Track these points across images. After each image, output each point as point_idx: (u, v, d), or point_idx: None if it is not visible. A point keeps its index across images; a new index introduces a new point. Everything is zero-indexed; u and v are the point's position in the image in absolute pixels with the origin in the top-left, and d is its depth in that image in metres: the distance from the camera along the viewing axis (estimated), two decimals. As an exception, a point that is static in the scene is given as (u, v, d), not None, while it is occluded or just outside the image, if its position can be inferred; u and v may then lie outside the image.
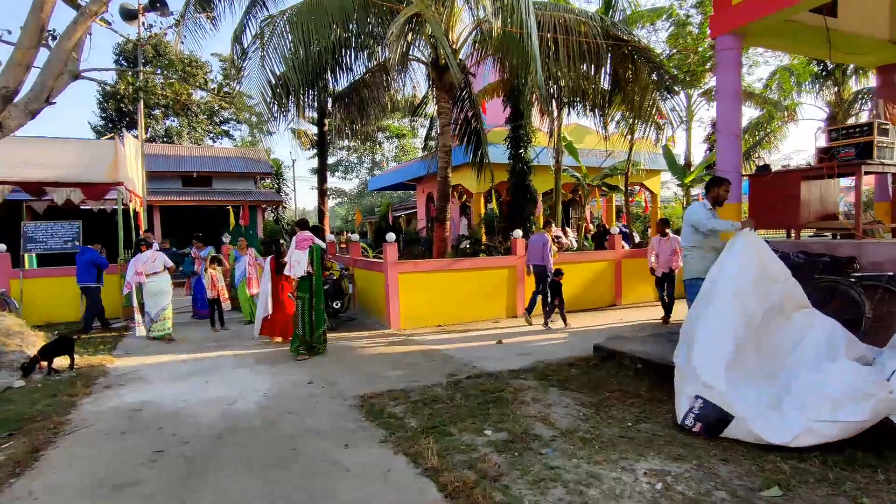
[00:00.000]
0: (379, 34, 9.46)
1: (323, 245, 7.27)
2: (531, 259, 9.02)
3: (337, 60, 9.25)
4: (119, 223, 11.04)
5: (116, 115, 30.03)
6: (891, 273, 4.94)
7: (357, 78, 10.04)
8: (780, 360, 4.39)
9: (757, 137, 17.15)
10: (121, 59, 30.05)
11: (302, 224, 7.54)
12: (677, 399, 4.25)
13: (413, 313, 9.04)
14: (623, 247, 11.29)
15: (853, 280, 4.96)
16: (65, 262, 10.93)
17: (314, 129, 34.90)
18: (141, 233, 11.63)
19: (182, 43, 10.98)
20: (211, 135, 34.91)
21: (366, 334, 8.46)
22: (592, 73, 8.91)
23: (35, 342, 6.58)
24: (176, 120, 32.84)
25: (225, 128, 36.12)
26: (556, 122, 13.72)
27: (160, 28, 9.13)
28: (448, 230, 10.74)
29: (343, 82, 9.97)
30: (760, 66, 14.66)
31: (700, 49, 12.65)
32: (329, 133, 15.30)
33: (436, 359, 6.69)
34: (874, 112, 7.33)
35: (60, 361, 6.38)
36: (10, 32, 7.18)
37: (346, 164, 40.78)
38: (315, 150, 37.36)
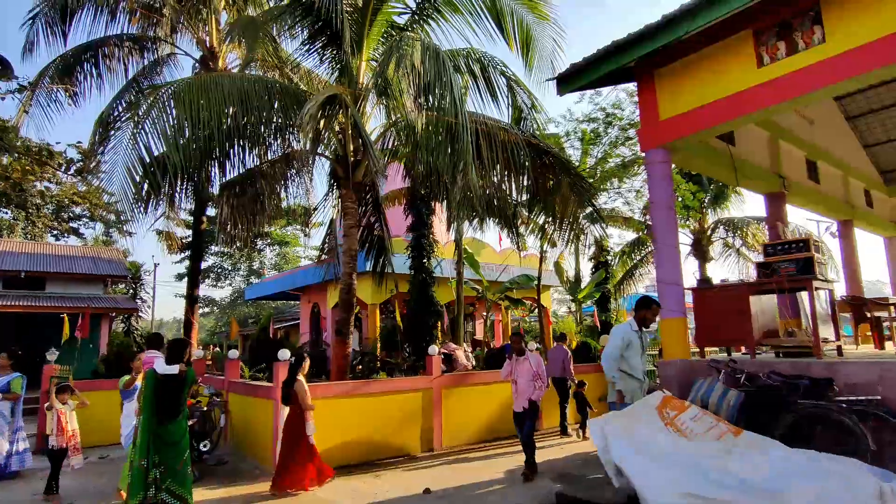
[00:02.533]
0: (280, 124, 8.47)
1: (168, 369, 5.09)
2: (551, 371, 9.07)
3: (229, 146, 7.93)
4: None
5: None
6: (878, 397, 4.49)
7: (253, 166, 8.74)
8: None
9: (636, 258, 18.35)
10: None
11: (151, 340, 5.62)
12: None
13: (308, 453, 7.11)
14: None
15: (844, 406, 4.42)
16: None
17: (183, 232, 31.83)
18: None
19: (26, 112, 9.00)
20: (55, 232, 30.09)
21: (245, 489, 6.32)
22: (511, 182, 8.57)
23: None
24: (8, 212, 27.93)
25: (74, 225, 31.49)
26: (459, 232, 13.37)
27: (-3, 91, 7.25)
28: (349, 346, 9.18)
29: (233, 171, 8.58)
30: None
31: (592, 169, 13.37)
32: (210, 229, 13.39)
33: (350, 526, 4.92)
34: (781, 233, 7.71)
35: None
36: None
37: (219, 270, 37.28)
38: (183, 254, 33.88)
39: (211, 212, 17.23)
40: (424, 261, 13.21)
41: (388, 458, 7.72)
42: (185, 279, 35.29)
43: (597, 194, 11.73)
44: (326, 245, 12.23)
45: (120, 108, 11.31)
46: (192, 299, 12.37)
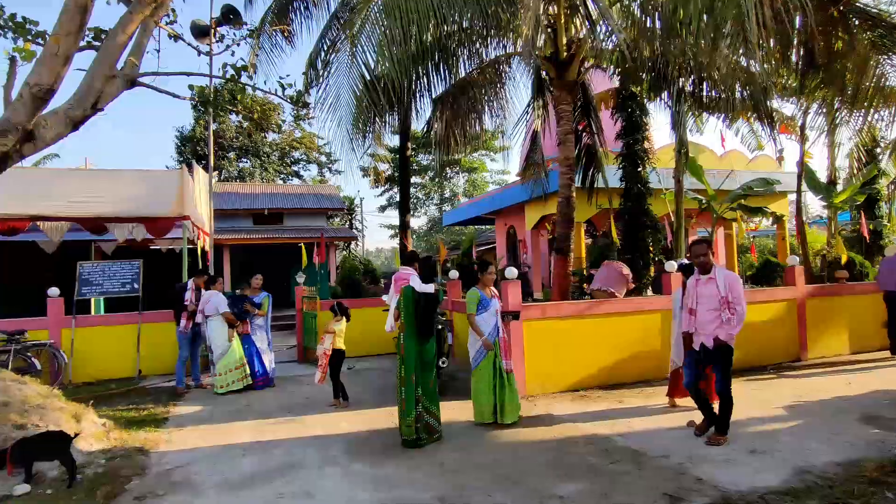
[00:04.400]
0: (488, 22, 7.68)
1: (424, 288, 5.06)
2: (886, 285, 8.14)
3: (439, 57, 7.51)
4: (184, 261, 9.63)
5: (193, 157, 30.36)
6: None
7: (462, 77, 8.25)
8: None
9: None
10: (197, 105, 30.54)
11: (407, 257, 5.57)
12: None
13: (541, 374, 6.80)
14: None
15: None
16: (126, 308, 9.60)
17: (382, 167, 34.18)
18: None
19: (256, 56, 9.75)
20: (282, 175, 34.85)
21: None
22: (777, 51, 6.59)
23: (59, 420, 4.87)
24: (247, 160, 32.98)
25: (295, 168, 36.10)
26: (682, 129, 11.39)
27: (233, 39, 7.82)
28: (570, 264, 8.52)
29: (440, 86, 8.20)
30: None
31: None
32: (411, 155, 13.64)
33: (616, 456, 4.39)
34: None
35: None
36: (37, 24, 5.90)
37: (414, 200, 39.67)
38: (385, 187, 36.63)
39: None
40: (639, 169, 11.66)
41: (626, 383, 7.05)
42: (387, 210, 38.37)
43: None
44: (529, 160, 11.46)
45: (325, 47, 11.69)
46: (404, 226, 12.89)
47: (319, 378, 6.44)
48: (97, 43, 5.99)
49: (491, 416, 5.41)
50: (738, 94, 8.59)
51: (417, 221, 42.76)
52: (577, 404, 6.19)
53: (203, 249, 11.34)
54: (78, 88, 5.57)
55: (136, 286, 9.19)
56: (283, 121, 32.53)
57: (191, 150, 30.44)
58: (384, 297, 7.52)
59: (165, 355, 8.68)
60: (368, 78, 6.33)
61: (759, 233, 23.84)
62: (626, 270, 11.22)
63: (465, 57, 8.07)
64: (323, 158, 35.87)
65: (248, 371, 7.54)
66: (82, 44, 5.63)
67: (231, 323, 7.48)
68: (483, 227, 30.14)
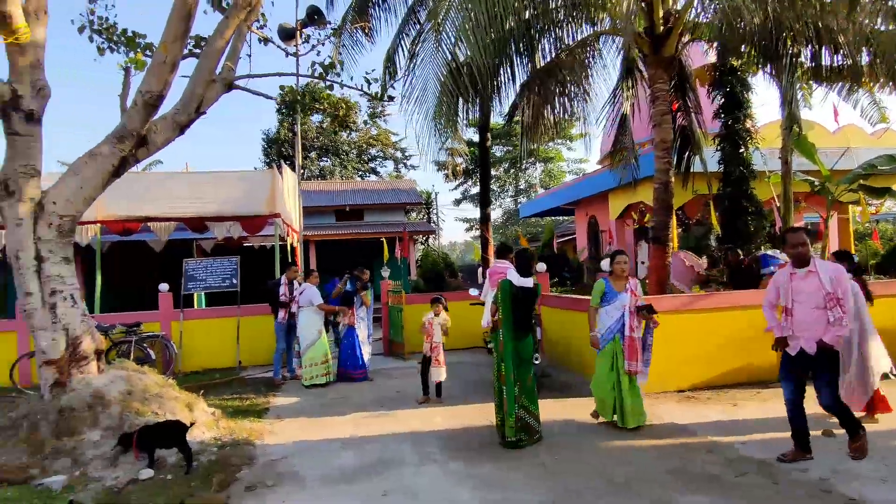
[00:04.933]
0: (571, 4, 7.28)
1: (523, 282, 4.85)
2: None
3: (523, 40, 7.22)
4: (276, 257, 10.04)
5: (278, 158, 31.85)
6: None
7: (550, 60, 7.90)
8: None
9: None
10: (282, 108, 31.93)
11: (500, 250, 5.39)
12: None
13: (642, 372, 6.37)
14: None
15: None
16: (220, 302, 10.16)
17: (458, 160, 34.09)
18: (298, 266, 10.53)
19: (339, 54, 9.93)
20: (360, 172, 35.82)
21: (583, 404, 5.93)
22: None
23: (174, 409, 5.15)
24: (328, 159, 34.14)
25: (372, 165, 36.97)
26: (792, 101, 10.29)
27: (318, 39, 8.00)
28: (668, 255, 7.94)
29: (523, 72, 7.89)
30: None
31: None
32: (489, 145, 13.41)
33: (743, 467, 3.95)
34: None
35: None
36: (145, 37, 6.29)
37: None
38: (459, 180, 36.64)
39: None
40: (741, 150, 10.72)
41: (738, 384, 6.45)
42: (462, 203, 38.38)
43: None
44: (617, 145, 10.84)
45: (405, 42, 11.67)
46: (485, 218, 12.73)
47: (443, 375, 6.38)
48: (197, 50, 6.31)
49: (610, 414, 5.11)
50: (864, 60, 7.65)
51: (492, 214, 42.47)
52: (684, 406, 5.75)
53: (292, 245, 11.80)
54: (183, 95, 5.86)
55: (234, 281, 9.68)
56: (366, 122, 33.59)
57: (276, 151, 31.93)
58: (471, 291, 7.40)
59: (261, 347, 9.11)
60: (454, 65, 6.17)
61: (878, 217, 21.37)
62: (692, 261, 10.14)
63: (552, 38, 7.71)
64: (398, 154, 36.50)
65: (331, 368, 7.75)
66: (185, 51, 5.94)
67: (329, 313, 7.75)
68: (560, 218, 29.35)
